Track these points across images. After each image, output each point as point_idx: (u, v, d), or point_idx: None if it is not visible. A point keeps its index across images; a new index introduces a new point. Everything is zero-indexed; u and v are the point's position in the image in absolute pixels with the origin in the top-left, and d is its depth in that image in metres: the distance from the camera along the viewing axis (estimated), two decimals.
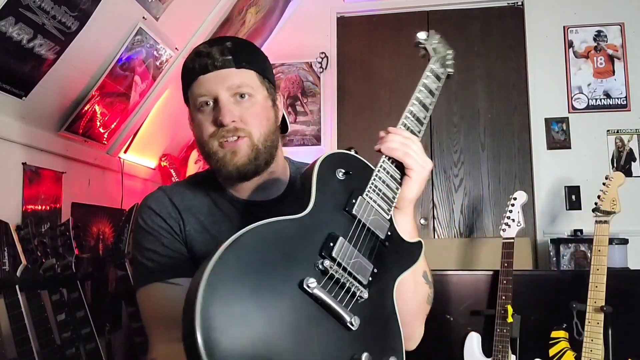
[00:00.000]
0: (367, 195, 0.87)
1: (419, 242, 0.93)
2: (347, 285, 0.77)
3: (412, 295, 0.96)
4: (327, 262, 0.76)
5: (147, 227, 1.02)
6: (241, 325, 0.64)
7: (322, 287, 0.73)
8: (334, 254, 0.77)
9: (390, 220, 0.89)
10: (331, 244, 0.78)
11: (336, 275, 0.76)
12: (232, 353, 0.62)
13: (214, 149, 0.98)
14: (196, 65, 0.98)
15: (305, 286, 0.71)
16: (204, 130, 0.99)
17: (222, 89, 0.97)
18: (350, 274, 0.78)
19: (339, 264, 0.77)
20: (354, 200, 0.85)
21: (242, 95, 0.98)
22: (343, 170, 0.87)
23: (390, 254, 0.87)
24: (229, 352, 0.62)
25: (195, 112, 1.00)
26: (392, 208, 0.90)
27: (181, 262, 0.99)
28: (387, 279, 0.84)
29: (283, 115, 1.09)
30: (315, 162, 0.87)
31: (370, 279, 0.80)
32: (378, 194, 0.88)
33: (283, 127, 1.10)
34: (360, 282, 0.79)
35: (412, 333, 0.99)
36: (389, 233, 0.87)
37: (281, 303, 0.69)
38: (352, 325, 0.74)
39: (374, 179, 0.89)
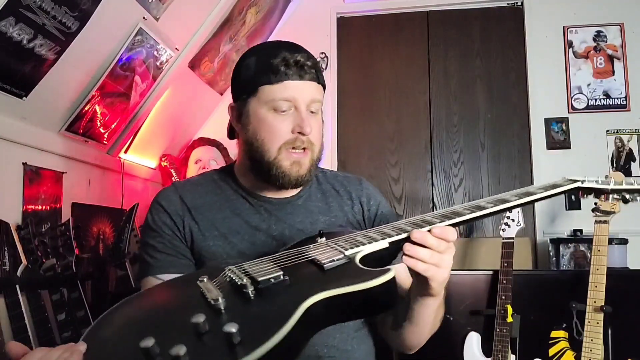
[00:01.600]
0: (333, 242, 0.88)
1: (385, 270, 0.76)
2: (236, 280, 0.77)
3: (432, 322, 1.01)
4: (228, 266, 0.82)
5: (153, 223, 1.08)
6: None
7: (212, 282, 0.79)
8: (244, 264, 0.83)
9: (352, 255, 0.81)
10: (255, 260, 0.84)
11: (228, 274, 0.80)
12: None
13: (281, 156, 1.01)
14: (286, 70, 0.99)
15: (198, 281, 0.79)
16: (277, 134, 1.01)
17: (305, 100, 1.01)
18: (247, 273, 0.78)
19: (243, 269, 0.81)
20: (312, 245, 0.89)
21: (312, 111, 1.03)
22: (325, 236, 0.92)
23: (326, 276, 0.78)
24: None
25: (268, 112, 1.01)
26: (361, 248, 0.83)
27: (174, 260, 1.05)
28: (300, 289, 0.74)
29: None
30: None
31: (271, 280, 0.74)
32: (349, 241, 0.86)
33: None
34: (252, 279, 0.75)
35: (422, 342, 1.07)
36: (336, 260, 0.79)
37: (174, 292, 0.83)
38: (215, 301, 0.70)
39: (355, 234, 0.90)
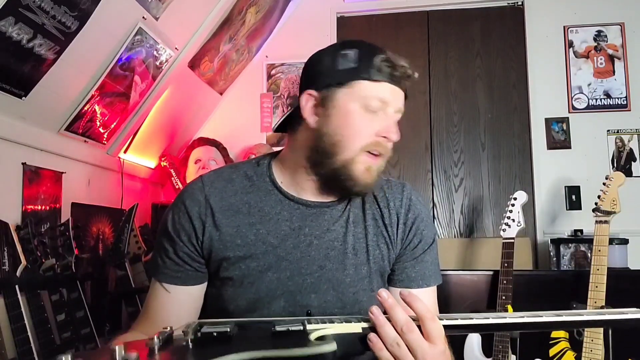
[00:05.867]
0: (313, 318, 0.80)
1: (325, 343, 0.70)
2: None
3: None
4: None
5: (171, 224, 1.03)
6: None
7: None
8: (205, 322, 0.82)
9: (309, 332, 0.75)
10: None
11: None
12: None
13: (358, 158, 0.95)
14: (391, 71, 0.94)
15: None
16: (362, 133, 0.95)
17: (396, 106, 0.98)
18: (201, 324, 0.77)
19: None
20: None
21: (396, 120, 0.99)
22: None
23: (265, 339, 0.74)
24: None
25: (359, 108, 0.95)
26: (324, 325, 0.76)
27: (182, 271, 1.03)
28: (234, 346, 0.71)
29: None
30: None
31: (214, 334, 0.72)
32: (321, 319, 0.79)
33: None
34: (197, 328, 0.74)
35: None
36: (290, 328, 0.75)
37: None
38: (150, 341, 0.69)
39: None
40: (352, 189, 0.97)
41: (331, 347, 0.69)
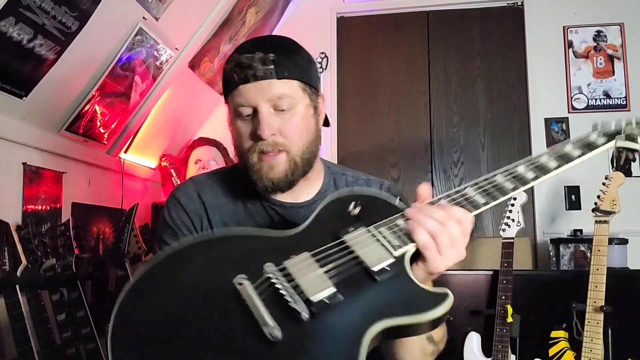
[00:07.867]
0: (374, 228, 0.81)
1: (443, 295, 0.73)
2: (286, 296, 0.70)
3: (411, 355, 0.94)
4: (269, 267, 0.73)
5: (170, 220, 1.05)
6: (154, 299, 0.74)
7: (254, 287, 0.71)
8: (285, 263, 0.75)
9: (400, 258, 0.77)
10: (291, 256, 0.77)
11: (274, 282, 0.71)
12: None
13: (252, 161, 0.97)
14: (235, 76, 0.94)
15: (234, 281, 0.71)
16: (243, 141, 0.98)
17: (262, 100, 0.94)
18: (296, 287, 0.71)
19: (287, 273, 0.74)
20: (351, 229, 0.81)
21: (282, 109, 0.95)
22: (360, 207, 0.85)
23: (379, 291, 0.74)
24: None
25: (235, 117, 0.99)
26: (409, 246, 0.79)
27: None
28: (358, 314, 0.71)
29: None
30: (337, 192, 0.91)
31: (325, 301, 0.70)
32: (393, 230, 0.81)
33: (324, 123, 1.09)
34: (306, 300, 0.70)
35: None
36: (388, 268, 0.75)
37: (208, 293, 0.72)
38: (271, 336, 0.66)
39: (395, 218, 0.83)
40: (263, 189, 0.99)
41: (451, 298, 0.73)
